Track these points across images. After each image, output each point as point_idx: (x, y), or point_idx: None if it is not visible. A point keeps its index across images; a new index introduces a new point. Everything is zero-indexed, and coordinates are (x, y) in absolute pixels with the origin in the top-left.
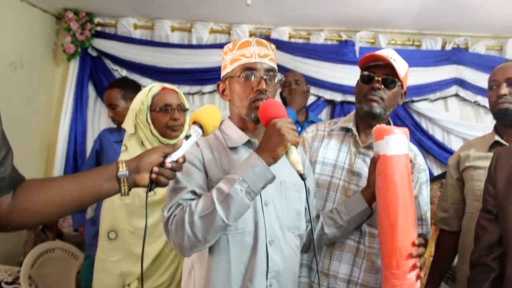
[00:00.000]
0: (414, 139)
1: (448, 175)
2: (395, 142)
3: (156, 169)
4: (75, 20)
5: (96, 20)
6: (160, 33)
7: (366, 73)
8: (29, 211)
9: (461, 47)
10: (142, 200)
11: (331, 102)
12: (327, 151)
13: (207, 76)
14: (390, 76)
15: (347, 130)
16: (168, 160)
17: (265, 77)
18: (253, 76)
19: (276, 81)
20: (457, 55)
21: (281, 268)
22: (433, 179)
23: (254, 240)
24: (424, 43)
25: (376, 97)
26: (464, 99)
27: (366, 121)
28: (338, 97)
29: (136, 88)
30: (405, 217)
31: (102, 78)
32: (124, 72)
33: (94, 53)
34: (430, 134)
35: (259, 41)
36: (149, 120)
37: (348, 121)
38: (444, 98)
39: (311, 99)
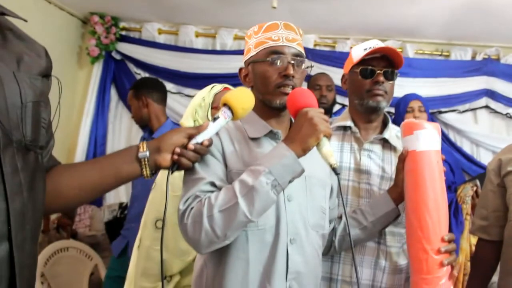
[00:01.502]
0: (442, 151)
1: (487, 180)
2: (426, 137)
3: (178, 150)
4: (101, 24)
5: (121, 24)
6: (184, 39)
7: (366, 67)
8: (50, 193)
9: (492, 57)
10: None
11: None
12: None
13: (230, 81)
14: (389, 67)
15: (344, 128)
16: (193, 142)
17: (292, 62)
18: (280, 61)
19: (303, 67)
20: (488, 66)
21: (302, 269)
22: (466, 181)
23: (274, 238)
24: (453, 53)
25: (381, 91)
26: (494, 111)
27: (366, 116)
28: None
29: (149, 85)
30: (437, 218)
31: (125, 81)
32: (146, 76)
33: (117, 57)
34: (458, 146)
35: (287, 25)
36: (209, 117)
37: (344, 119)
38: (474, 109)
39: (336, 108)
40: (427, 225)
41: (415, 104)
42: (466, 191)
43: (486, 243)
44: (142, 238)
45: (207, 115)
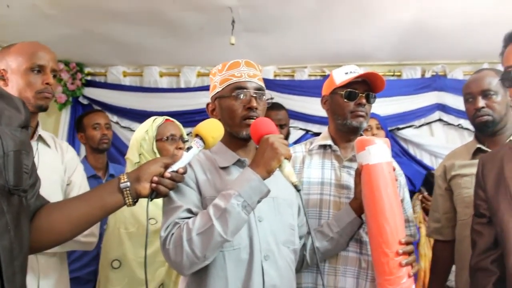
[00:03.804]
0: (403, 165)
1: (436, 186)
2: (377, 151)
3: (155, 178)
4: (66, 70)
5: (87, 69)
6: (149, 79)
7: (350, 90)
8: (43, 230)
9: (440, 74)
10: (145, 229)
11: (319, 135)
12: (311, 170)
13: (196, 117)
14: (370, 91)
15: (325, 147)
16: (169, 170)
17: (255, 95)
18: (243, 95)
19: (264, 99)
20: (437, 82)
21: (277, 283)
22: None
23: (249, 255)
24: (404, 73)
25: (363, 112)
26: (448, 123)
27: (347, 136)
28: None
29: None
30: (393, 223)
31: None
32: (114, 118)
33: (85, 101)
34: (418, 159)
35: (248, 62)
36: (155, 149)
37: (325, 138)
38: (429, 123)
39: (299, 134)
40: (385, 231)
41: (372, 122)
42: (414, 202)
43: (441, 243)
44: (100, 280)
45: (152, 148)
